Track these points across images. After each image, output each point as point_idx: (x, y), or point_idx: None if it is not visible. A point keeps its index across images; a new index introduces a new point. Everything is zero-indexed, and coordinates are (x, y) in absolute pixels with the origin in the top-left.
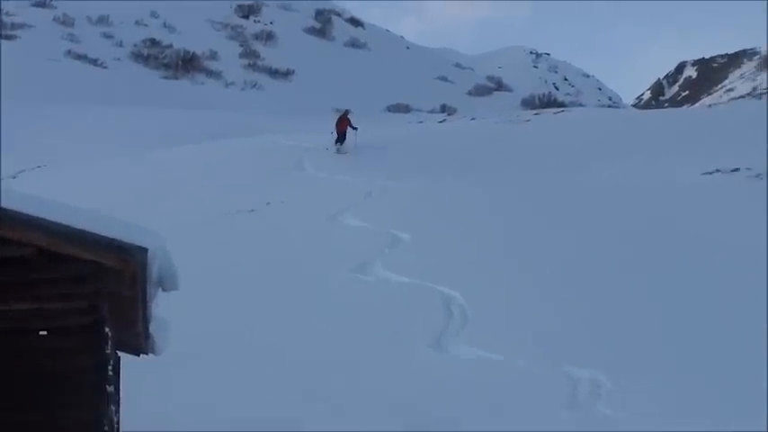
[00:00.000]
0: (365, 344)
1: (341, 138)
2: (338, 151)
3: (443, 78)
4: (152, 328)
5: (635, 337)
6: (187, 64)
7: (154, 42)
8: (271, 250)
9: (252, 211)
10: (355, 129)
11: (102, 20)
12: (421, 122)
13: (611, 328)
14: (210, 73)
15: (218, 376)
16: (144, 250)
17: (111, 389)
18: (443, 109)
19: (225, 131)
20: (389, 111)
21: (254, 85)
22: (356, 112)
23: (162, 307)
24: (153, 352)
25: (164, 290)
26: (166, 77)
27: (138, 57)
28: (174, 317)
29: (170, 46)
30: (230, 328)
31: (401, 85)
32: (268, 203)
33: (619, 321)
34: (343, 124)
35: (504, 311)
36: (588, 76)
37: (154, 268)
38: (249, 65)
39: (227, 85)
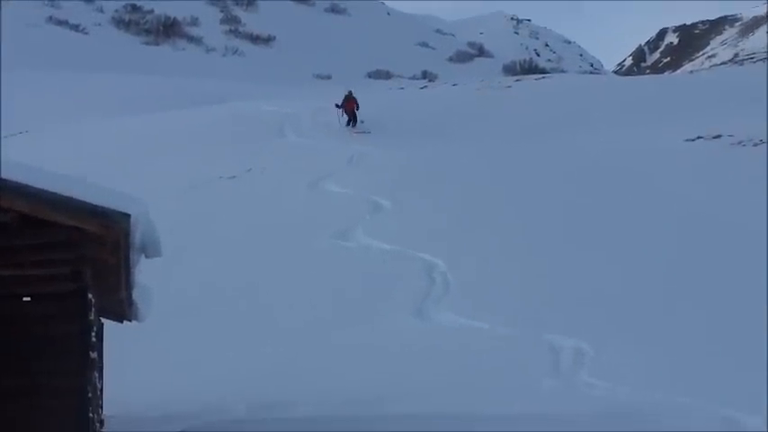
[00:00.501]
0: (346, 310)
1: (351, 117)
2: (354, 131)
3: (424, 44)
4: (135, 294)
5: (619, 306)
6: (168, 30)
7: (135, 8)
8: (252, 217)
9: (233, 177)
10: (358, 108)
11: None
12: (402, 89)
13: (594, 297)
14: (191, 39)
15: (200, 340)
16: (127, 217)
17: (94, 355)
18: (424, 75)
19: (206, 98)
20: (370, 77)
21: (235, 51)
22: (337, 78)
23: (144, 273)
24: (136, 318)
25: (147, 256)
26: (147, 43)
27: (119, 22)
28: (157, 281)
29: (151, 11)
30: (212, 293)
31: (382, 52)
32: (249, 170)
33: (603, 290)
34: (350, 104)
35: (487, 279)
36: (569, 43)
37: (137, 235)
38: (230, 31)
39: (207, 51)
